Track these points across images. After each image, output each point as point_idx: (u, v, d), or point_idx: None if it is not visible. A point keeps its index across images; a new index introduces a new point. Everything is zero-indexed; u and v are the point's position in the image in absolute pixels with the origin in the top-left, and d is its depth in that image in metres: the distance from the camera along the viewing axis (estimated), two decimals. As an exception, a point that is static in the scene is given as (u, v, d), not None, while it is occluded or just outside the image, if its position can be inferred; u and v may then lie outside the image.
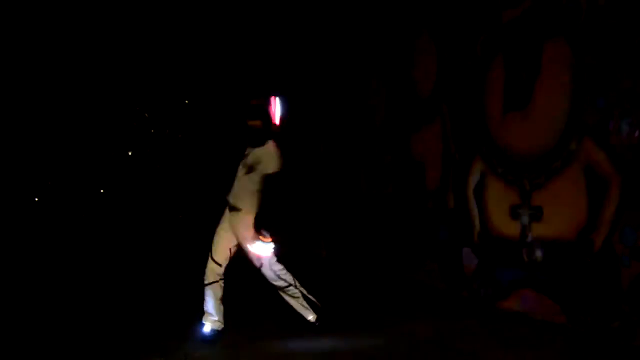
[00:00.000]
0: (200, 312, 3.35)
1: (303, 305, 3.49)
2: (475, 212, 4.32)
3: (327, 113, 7.14)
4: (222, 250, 3.41)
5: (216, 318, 3.35)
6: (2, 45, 8.42)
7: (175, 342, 3.28)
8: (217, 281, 3.36)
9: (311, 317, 3.48)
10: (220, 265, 3.38)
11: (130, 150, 11.36)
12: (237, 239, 3.40)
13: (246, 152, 3.47)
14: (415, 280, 5.09)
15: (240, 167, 3.43)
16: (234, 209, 3.38)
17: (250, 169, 3.36)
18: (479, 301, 4.22)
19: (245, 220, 3.32)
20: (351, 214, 6.44)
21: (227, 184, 3.52)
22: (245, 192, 3.36)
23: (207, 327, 3.33)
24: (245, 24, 8.34)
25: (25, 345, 3.32)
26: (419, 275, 5.08)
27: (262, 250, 3.32)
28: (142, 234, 10.01)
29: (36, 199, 11.31)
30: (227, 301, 3.40)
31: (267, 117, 3.44)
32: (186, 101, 11.05)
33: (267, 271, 3.39)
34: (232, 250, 3.44)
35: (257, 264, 3.39)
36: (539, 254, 3.67)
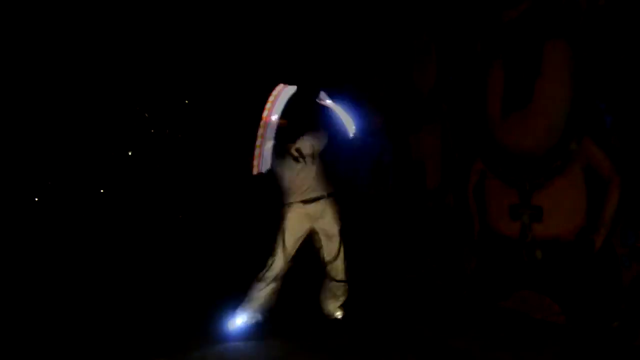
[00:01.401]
0: (199, 312, 3.35)
1: (340, 301, 3.61)
2: (475, 212, 4.33)
3: (326, 113, 7.13)
4: (292, 248, 3.49)
5: (256, 312, 3.44)
6: (1, 45, 8.42)
7: (177, 342, 3.28)
8: (278, 279, 3.45)
9: (338, 313, 3.63)
10: (289, 262, 3.47)
11: (130, 150, 11.35)
12: (320, 226, 3.51)
13: (289, 149, 3.55)
14: (415, 280, 5.09)
15: (296, 162, 3.52)
16: (315, 200, 3.50)
17: (314, 156, 3.57)
18: (479, 301, 4.23)
19: (331, 204, 3.55)
20: (351, 214, 6.43)
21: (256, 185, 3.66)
22: (319, 179, 3.56)
23: (240, 320, 3.40)
24: (245, 25, 8.34)
25: (26, 345, 3.33)
26: (419, 275, 5.08)
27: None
28: (142, 234, 10.00)
29: (36, 199, 11.30)
30: (232, 299, 3.44)
31: (294, 114, 3.61)
32: (186, 101, 11.04)
33: (340, 262, 3.53)
34: (297, 249, 3.55)
35: (333, 253, 3.51)
36: (539, 254, 3.67)
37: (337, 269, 3.56)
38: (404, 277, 5.28)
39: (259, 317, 3.45)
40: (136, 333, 3.56)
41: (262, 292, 3.41)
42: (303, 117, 3.71)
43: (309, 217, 3.52)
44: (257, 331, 3.49)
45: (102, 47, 9.42)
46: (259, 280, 3.43)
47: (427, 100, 4.99)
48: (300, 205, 3.50)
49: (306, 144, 3.58)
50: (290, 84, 3.73)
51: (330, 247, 3.55)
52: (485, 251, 4.22)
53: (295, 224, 3.50)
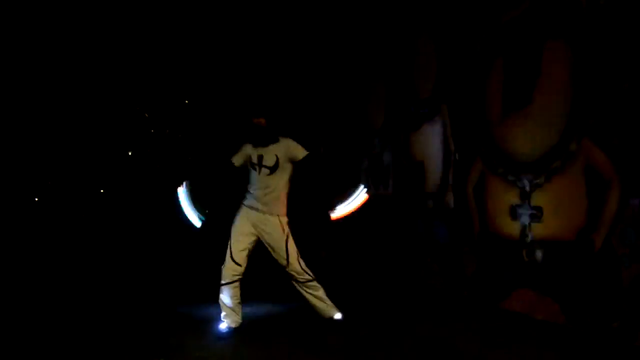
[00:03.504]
0: (200, 312, 3.35)
1: (325, 302, 3.54)
2: (475, 212, 4.33)
3: (327, 114, 7.14)
4: (241, 250, 3.43)
5: (234, 316, 3.42)
6: (2, 45, 8.42)
7: (176, 342, 3.28)
8: (235, 281, 3.41)
9: (336, 314, 3.54)
10: (239, 265, 3.41)
11: (130, 150, 11.36)
12: (265, 238, 3.44)
13: (255, 153, 3.46)
14: (416, 280, 5.09)
15: (258, 169, 3.43)
16: (262, 211, 3.42)
17: (275, 168, 3.42)
18: (479, 301, 4.23)
19: (279, 221, 3.43)
20: (351, 213, 6.43)
21: (237, 185, 3.57)
22: (275, 193, 3.43)
23: (224, 325, 3.40)
24: (246, 25, 8.35)
25: (26, 345, 3.32)
26: (419, 275, 5.08)
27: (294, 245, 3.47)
28: (142, 234, 10.00)
29: (36, 199, 11.30)
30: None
31: (272, 115, 3.47)
32: (186, 101, 11.05)
33: (295, 266, 3.44)
34: (250, 250, 3.48)
35: (284, 262, 3.44)
36: (539, 254, 3.67)
37: (294, 270, 3.48)
38: (405, 277, 5.28)
39: (239, 321, 3.45)
40: (136, 333, 3.55)
41: (230, 298, 3.41)
42: (282, 124, 3.63)
43: (253, 222, 3.44)
44: (257, 331, 3.49)
45: (103, 48, 9.43)
46: (223, 288, 3.41)
47: (427, 100, 4.99)
48: (247, 209, 3.46)
49: (271, 154, 3.42)
50: (289, 84, 3.70)
51: (278, 257, 3.49)
52: (485, 251, 4.22)
53: (241, 226, 3.44)
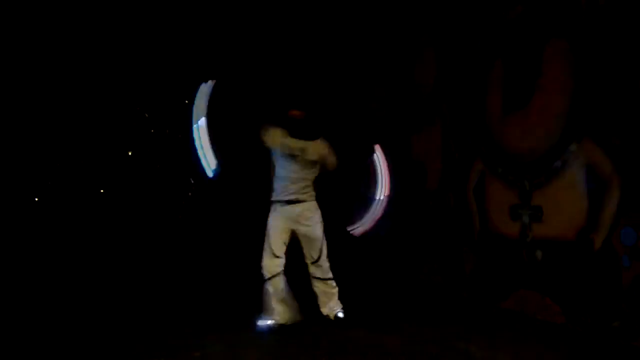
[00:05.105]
0: (199, 311, 3.34)
1: (336, 300, 3.60)
2: (475, 212, 4.33)
3: (327, 114, 7.13)
4: (280, 244, 3.48)
5: (277, 312, 3.45)
6: (2, 45, 8.43)
7: (177, 342, 3.28)
8: (278, 274, 3.45)
9: (340, 312, 3.59)
10: (279, 257, 3.46)
11: (130, 150, 11.36)
12: (300, 231, 3.49)
13: (295, 144, 3.47)
14: (416, 280, 5.09)
15: (295, 161, 3.45)
16: (296, 202, 3.47)
17: (313, 164, 3.49)
18: (479, 301, 4.23)
19: (312, 207, 3.50)
20: (351, 213, 6.44)
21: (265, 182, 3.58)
22: (308, 184, 3.51)
23: (266, 322, 3.43)
24: (246, 25, 8.34)
25: (26, 345, 3.32)
26: (419, 275, 5.08)
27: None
28: (142, 234, 9.99)
29: (36, 199, 11.30)
30: (232, 299, 3.44)
31: (311, 109, 3.58)
32: (186, 101, 11.05)
33: (324, 262, 3.54)
34: (287, 244, 3.53)
35: (316, 255, 3.51)
36: (539, 254, 3.67)
37: (321, 269, 3.56)
38: (405, 276, 5.28)
39: (279, 319, 3.46)
40: (137, 332, 3.55)
41: (272, 296, 3.43)
42: (325, 121, 3.68)
43: (290, 218, 3.47)
44: (258, 330, 3.50)
45: (102, 47, 9.42)
46: (265, 287, 3.45)
47: (428, 100, 4.99)
48: (283, 205, 3.47)
49: (313, 150, 3.47)
50: (290, 83, 3.72)
51: (313, 250, 3.54)
52: (485, 251, 4.22)
53: (278, 224, 3.47)
